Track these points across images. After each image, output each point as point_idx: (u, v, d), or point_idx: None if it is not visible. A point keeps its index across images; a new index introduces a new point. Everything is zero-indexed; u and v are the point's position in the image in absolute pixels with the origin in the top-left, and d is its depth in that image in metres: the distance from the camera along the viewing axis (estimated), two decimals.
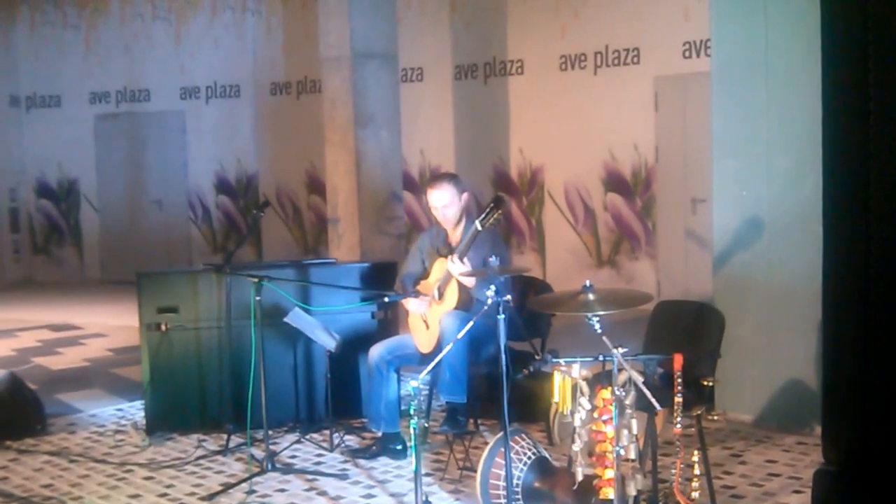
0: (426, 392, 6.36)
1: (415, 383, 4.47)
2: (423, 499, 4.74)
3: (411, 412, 4.48)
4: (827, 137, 1.71)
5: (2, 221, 15.42)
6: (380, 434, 6.06)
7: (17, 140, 15.48)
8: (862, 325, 1.62)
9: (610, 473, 4.11)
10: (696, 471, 4.40)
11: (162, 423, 6.68)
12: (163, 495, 5.57)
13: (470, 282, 5.56)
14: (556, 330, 6.27)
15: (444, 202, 5.89)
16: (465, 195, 5.95)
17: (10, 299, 14.04)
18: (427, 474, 5.66)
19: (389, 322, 6.80)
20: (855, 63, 1.66)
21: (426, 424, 6.22)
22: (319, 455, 6.18)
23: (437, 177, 6.16)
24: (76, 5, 15.19)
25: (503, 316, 4.18)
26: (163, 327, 6.63)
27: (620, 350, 3.97)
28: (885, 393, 1.61)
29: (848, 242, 1.64)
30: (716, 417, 4.66)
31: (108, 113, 15.14)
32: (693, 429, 4.91)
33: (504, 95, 12.62)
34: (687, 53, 10.98)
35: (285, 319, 6.04)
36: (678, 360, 4.14)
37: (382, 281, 6.47)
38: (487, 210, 5.14)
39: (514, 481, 4.76)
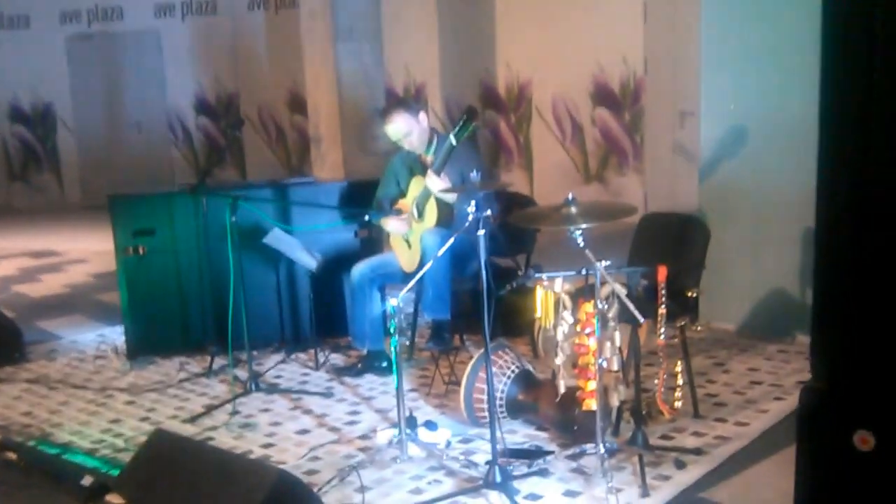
0: (411, 310, 6.32)
1: (395, 302, 4.40)
2: (407, 414, 4.71)
3: (391, 330, 4.42)
4: (827, 47, 1.61)
5: None
6: (365, 352, 6.02)
7: None
8: (856, 240, 1.53)
9: (592, 385, 4.08)
10: (679, 381, 4.37)
11: (143, 347, 6.63)
12: (144, 419, 5.53)
13: (451, 197, 5.46)
14: (543, 245, 6.20)
15: (403, 132, 5.76)
16: (422, 116, 5.81)
17: None
18: (412, 390, 5.63)
19: (372, 241, 6.71)
20: None
21: (407, 342, 6.18)
22: (304, 374, 6.15)
23: (387, 109, 6.01)
24: None
25: (483, 231, 4.08)
26: (139, 251, 6.52)
27: (603, 263, 3.90)
28: (876, 309, 1.54)
29: (845, 152, 1.55)
30: (699, 328, 4.61)
31: (81, 33, 14.84)
32: (676, 339, 4.89)
33: (490, 7, 12.38)
34: None
35: (264, 240, 5.96)
36: (662, 271, 4.07)
37: (364, 200, 6.36)
38: (461, 123, 5.02)
39: (498, 395, 4.75)
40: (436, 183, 5.42)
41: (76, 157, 15.14)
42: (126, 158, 14.67)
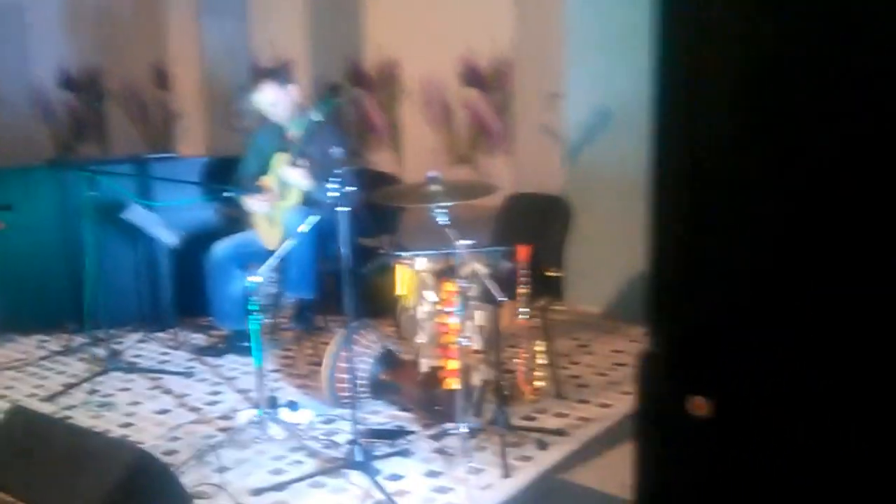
0: (274, 290, 6.26)
1: (256, 279, 4.36)
2: (269, 394, 4.68)
3: (251, 308, 4.38)
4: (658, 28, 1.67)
5: None
6: (227, 332, 5.95)
7: None
8: (687, 200, 1.58)
9: (454, 364, 4.10)
10: (539, 360, 4.43)
11: (2, 324, 6.44)
12: (1, 397, 5.40)
13: (306, 184, 5.42)
14: (410, 225, 6.22)
15: (270, 100, 5.70)
16: (290, 88, 5.76)
17: None
18: (275, 370, 5.60)
19: (235, 219, 6.62)
20: None
21: (270, 321, 6.13)
22: (164, 353, 6.07)
23: (255, 77, 5.95)
24: None
25: (344, 210, 4.06)
26: None
27: (464, 242, 3.93)
28: (710, 272, 1.59)
29: (675, 120, 1.60)
30: (558, 309, 4.69)
31: None
32: (539, 321, 4.95)
33: None
34: None
35: (122, 215, 5.83)
36: (522, 251, 4.12)
37: (226, 176, 6.25)
38: (324, 100, 4.98)
39: (362, 374, 4.74)
40: (292, 172, 5.39)
41: None
42: None
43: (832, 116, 1.44)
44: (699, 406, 1.62)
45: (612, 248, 6.41)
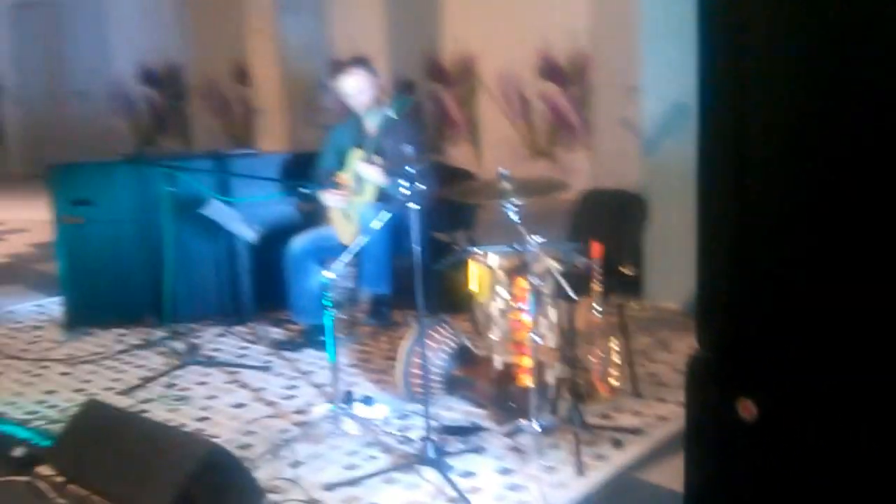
0: (352, 284, 6.28)
1: (329, 275, 4.37)
2: (345, 389, 4.70)
3: (327, 303, 4.39)
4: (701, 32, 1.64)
5: None
6: (304, 326, 5.98)
7: None
8: (735, 208, 1.56)
9: (528, 361, 4.07)
10: (616, 359, 4.37)
11: (81, 318, 6.55)
12: (79, 390, 5.46)
13: (381, 177, 5.42)
14: (487, 221, 6.17)
15: (358, 87, 5.71)
16: (377, 80, 5.79)
17: None
18: (352, 365, 5.60)
19: (314, 214, 6.65)
20: None
21: (344, 316, 6.15)
22: (243, 348, 6.10)
23: (347, 62, 5.96)
24: None
25: (416, 206, 4.05)
26: (78, 220, 6.43)
27: (537, 239, 3.89)
28: (758, 278, 1.56)
29: (723, 128, 1.58)
30: (636, 306, 4.62)
31: (24, 2, 14.57)
32: (615, 318, 4.89)
33: None
34: None
35: (201, 211, 5.88)
36: (596, 248, 4.07)
37: (304, 172, 6.29)
38: (400, 98, 4.99)
39: (436, 370, 4.73)
40: (367, 169, 5.40)
41: (19, 126, 14.90)
42: (69, 128, 14.45)
43: (884, 128, 1.40)
44: (748, 409, 1.59)
45: (692, 244, 6.29)
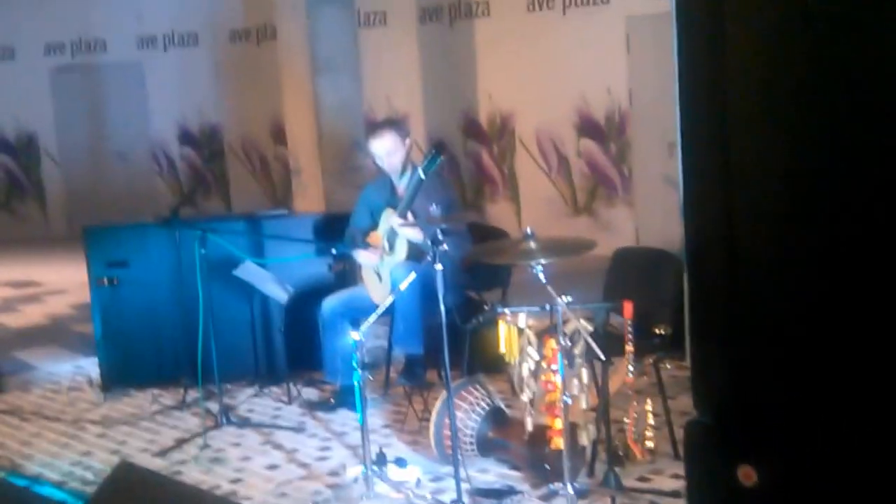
0: (385, 344, 6.26)
1: (357, 336, 4.34)
2: (377, 450, 4.65)
3: (354, 365, 4.36)
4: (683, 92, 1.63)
5: None
6: (338, 386, 5.96)
7: None
8: (727, 271, 1.54)
9: (560, 423, 4.01)
10: (650, 420, 4.29)
11: (117, 378, 6.59)
12: (115, 452, 5.49)
13: (417, 235, 5.41)
14: (520, 279, 6.12)
15: (387, 149, 5.74)
16: (407, 141, 5.82)
17: None
18: (385, 426, 5.57)
19: (346, 274, 6.66)
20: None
21: (371, 377, 6.10)
22: (277, 408, 6.09)
23: (378, 124, 6.02)
24: None
25: (442, 267, 4.03)
26: (113, 282, 6.48)
27: (566, 299, 3.85)
28: (754, 342, 1.54)
29: (709, 180, 1.57)
30: (668, 366, 4.55)
31: (65, 65, 14.83)
32: (646, 378, 4.82)
33: (471, 39, 12.36)
34: None
35: (234, 272, 5.90)
36: (628, 307, 4.01)
37: (338, 232, 6.31)
38: (429, 157, 5.00)
39: (469, 432, 4.68)
40: (398, 223, 5.41)
41: (60, 187, 15.09)
42: (110, 189, 14.61)
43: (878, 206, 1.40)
44: (748, 475, 1.58)
45: None
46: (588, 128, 11.69)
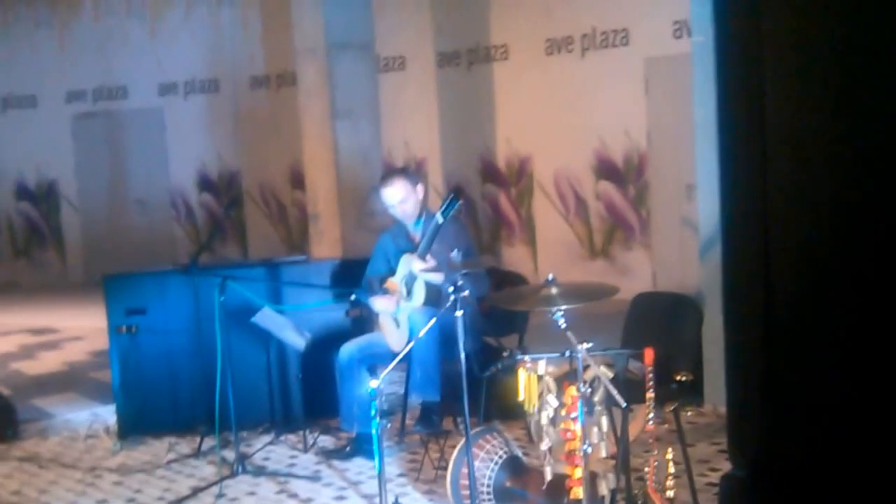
0: (401, 391, 6.21)
1: (375, 383, 4.29)
2: (393, 500, 4.59)
3: (373, 413, 4.30)
4: (723, 144, 1.60)
5: None
6: (354, 434, 5.91)
7: None
8: (763, 332, 1.51)
9: (579, 472, 3.94)
10: (671, 468, 4.21)
11: (134, 426, 6.55)
12: (130, 500, 5.48)
13: (438, 277, 5.39)
14: (540, 324, 6.07)
15: (399, 198, 5.75)
16: (419, 187, 5.82)
17: None
18: (401, 475, 5.51)
19: (363, 320, 6.63)
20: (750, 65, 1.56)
21: (389, 424, 6.05)
22: (293, 456, 6.05)
23: (387, 173, 6.02)
24: (48, 4, 14.93)
25: (462, 312, 4.00)
26: (132, 329, 6.47)
27: (586, 345, 3.80)
28: (789, 399, 1.50)
29: (747, 250, 1.54)
30: (689, 413, 4.47)
31: (86, 112, 14.94)
32: (667, 425, 4.75)
33: (489, 82, 12.37)
34: (678, 33, 10.66)
35: (252, 320, 5.89)
36: (649, 354, 3.95)
37: (356, 278, 6.29)
38: (448, 201, 4.99)
39: (486, 481, 4.61)
40: (419, 265, 5.38)
41: (79, 234, 15.13)
42: (129, 235, 14.65)
43: None
44: None
45: None
46: (606, 170, 11.66)
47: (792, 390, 1.52)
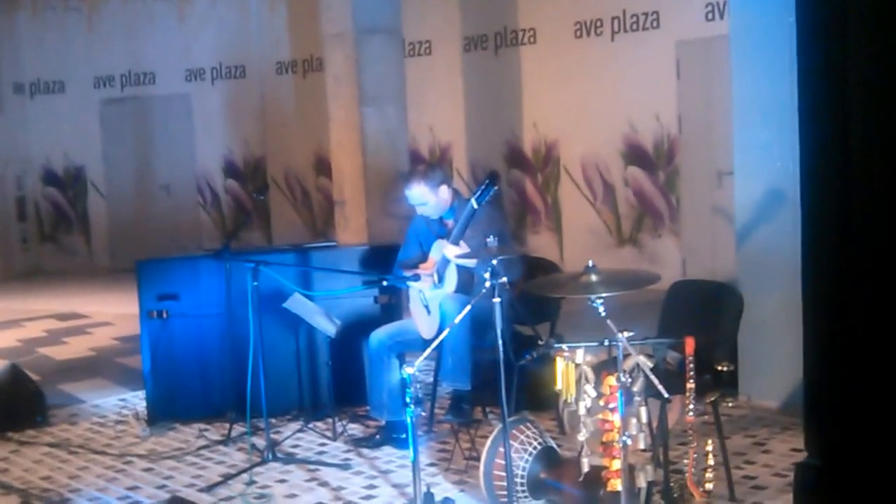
0: (431, 379, 6.16)
1: (410, 370, 4.23)
2: (425, 490, 4.53)
3: (408, 400, 4.24)
4: (803, 116, 1.53)
5: (9, 210, 15.11)
6: (383, 422, 5.86)
7: (22, 128, 15.18)
8: (841, 323, 1.44)
9: (617, 464, 3.87)
10: (711, 461, 4.15)
11: (164, 412, 6.54)
12: (161, 487, 5.45)
13: (471, 263, 5.32)
14: (570, 313, 6.00)
15: (418, 201, 5.72)
16: (442, 188, 5.71)
17: (18, 289, 13.89)
18: (431, 464, 5.46)
19: (392, 307, 6.59)
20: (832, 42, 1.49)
21: (422, 412, 5.99)
22: (322, 444, 6.00)
23: (409, 174, 5.95)
24: None
25: (499, 299, 3.94)
26: (163, 315, 6.45)
27: (626, 334, 3.73)
28: (865, 388, 1.45)
29: (828, 242, 1.48)
30: (730, 404, 4.40)
31: (114, 97, 14.94)
32: (708, 416, 4.68)
33: (516, 67, 12.26)
34: (710, 15, 10.53)
35: (284, 305, 5.86)
36: (689, 343, 3.89)
37: (385, 264, 6.24)
38: (483, 187, 4.92)
39: (520, 472, 4.55)
40: (452, 251, 5.32)
41: (106, 219, 15.14)
42: (155, 221, 14.65)
43: None
44: None
45: (790, 338, 5.94)
46: (635, 156, 11.53)
47: (871, 378, 1.46)
